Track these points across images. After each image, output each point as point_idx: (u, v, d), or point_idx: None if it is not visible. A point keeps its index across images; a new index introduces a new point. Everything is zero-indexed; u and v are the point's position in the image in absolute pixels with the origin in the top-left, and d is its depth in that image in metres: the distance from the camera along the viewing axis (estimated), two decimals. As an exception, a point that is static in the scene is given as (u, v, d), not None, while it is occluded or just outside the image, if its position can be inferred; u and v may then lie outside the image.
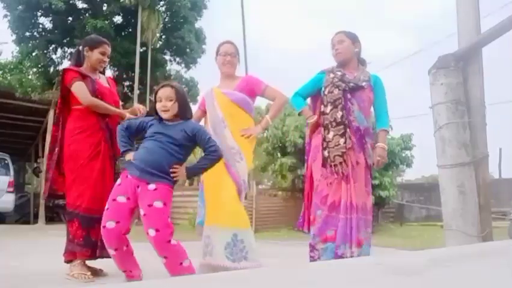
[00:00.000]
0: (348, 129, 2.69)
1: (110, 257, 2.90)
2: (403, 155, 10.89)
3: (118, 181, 2.40)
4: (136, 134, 2.55)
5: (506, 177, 16.35)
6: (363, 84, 2.74)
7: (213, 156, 2.42)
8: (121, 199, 2.30)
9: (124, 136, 2.51)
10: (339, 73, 2.80)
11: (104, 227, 2.28)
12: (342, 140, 2.67)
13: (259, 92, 2.99)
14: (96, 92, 2.98)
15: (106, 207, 2.33)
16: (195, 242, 2.88)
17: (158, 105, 2.43)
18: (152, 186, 2.26)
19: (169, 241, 2.23)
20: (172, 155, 2.34)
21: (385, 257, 2.34)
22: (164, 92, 2.42)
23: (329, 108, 2.74)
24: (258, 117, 6.12)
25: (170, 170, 2.32)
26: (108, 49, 3.10)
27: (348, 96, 2.73)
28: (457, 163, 2.37)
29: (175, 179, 2.35)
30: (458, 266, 1.23)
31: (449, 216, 2.39)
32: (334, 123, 2.71)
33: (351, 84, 2.73)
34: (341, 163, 2.65)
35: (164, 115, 2.41)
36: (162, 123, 2.44)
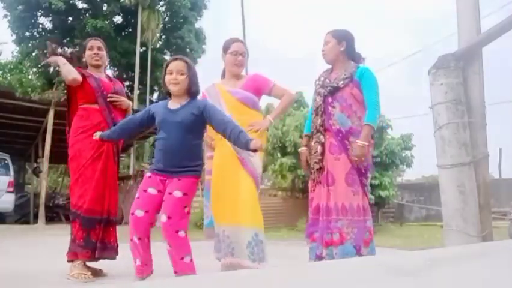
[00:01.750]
0: (322, 136, 2.74)
1: (109, 258, 2.91)
2: (403, 155, 10.87)
3: (148, 173, 2.44)
4: (140, 126, 2.57)
5: (506, 177, 16.32)
6: (340, 84, 2.71)
7: (228, 119, 2.37)
8: (152, 191, 2.35)
9: (115, 129, 2.61)
10: (322, 79, 2.85)
11: (132, 214, 2.32)
12: (319, 147, 2.75)
13: (266, 90, 2.92)
14: (102, 88, 3.02)
15: (137, 196, 2.37)
16: (198, 243, 2.87)
17: (168, 78, 2.40)
18: (176, 178, 2.33)
19: (177, 231, 2.26)
20: (187, 145, 2.36)
21: (385, 257, 2.34)
22: (177, 66, 2.40)
23: (314, 116, 2.84)
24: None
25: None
26: (94, 42, 3.15)
27: (329, 100, 2.75)
28: (456, 163, 2.37)
29: (193, 168, 2.36)
30: (458, 266, 1.22)
31: (449, 216, 2.39)
32: (315, 131, 2.80)
33: (329, 87, 2.76)
34: (318, 170, 2.73)
35: (173, 87, 2.39)
36: (168, 110, 2.42)
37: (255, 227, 2.62)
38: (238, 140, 2.27)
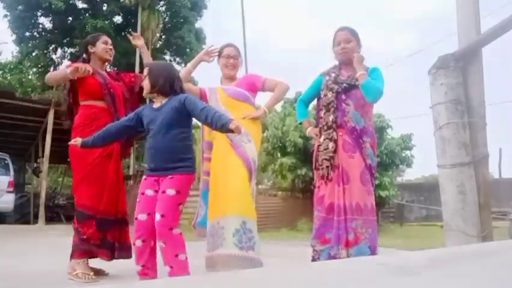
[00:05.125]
0: (335, 133, 2.69)
1: (127, 258, 2.90)
2: (403, 155, 10.90)
3: (144, 176, 2.48)
4: (126, 130, 2.61)
5: (506, 177, 16.33)
6: (356, 82, 2.69)
7: (209, 108, 2.40)
8: (149, 192, 2.39)
9: (100, 134, 2.57)
10: (333, 75, 2.80)
11: (136, 218, 2.36)
12: (331, 144, 2.69)
13: (259, 85, 3.01)
14: (108, 85, 3.00)
15: (138, 200, 2.41)
16: (195, 242, 2.87)
17: None
18: (169, 176, 2.34)
19: (171, 228, 2.27)
20: (176, 141, 2.38)
21: (385, 257, 2.34)
22: (144, 72, 2.57)
23: (323, 111, 2.78)
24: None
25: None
26: (108, 39, 3.15)
27: (343, 97, 2.72)
28: (456, 163, 2.37)
29: (184, 165, 2.37)
30: (458, 266, 1.22)
31: (449, 216, 2.39)
32: (325, 127, 2.75)
33: (344, 84, 2.72)
34: (327, 167, 2.67)
35: (143, 93, 2.57)
36: (152, 109, 2.49)
37: (243, 215, 2.59)
38: (218, 121, 2.26)
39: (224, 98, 2.94)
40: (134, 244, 2.37)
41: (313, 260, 2.71)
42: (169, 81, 2.48)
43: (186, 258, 2.32)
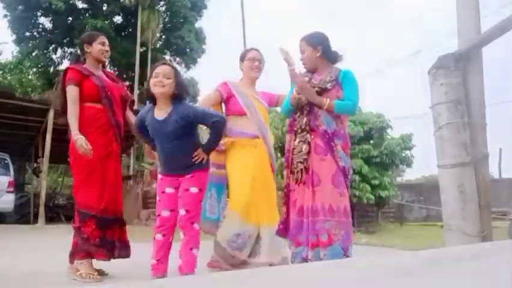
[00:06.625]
0: (309, 135, 2.68)
1: (126, 257, 2.92)
2: (403, 155, 10.89)
3: (160, 176, 2.61)
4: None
5: (506, 177, 16.34)
6: (328, 85, 2.68)
7: (217, 125, 2.53)
8: (170, 190, 2.53)
9: (145, 135, 2.68)
10: (306, 78, 2.78)
11: (159, 215, 2.52)
12: (304, 146, 2.68)
13: (273, 102, 3.38)
14: (106, 88, 2.98)
15: (158, 198, 2.56)
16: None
17: (153, 80, 2.41)
18: (189, 175, 2.49)
19: (193, 223, 2.47)
20: (185, 149, 2.48)
21: (385, 257, 2.34)
22: (164, 70, 2.44)
23: (297, 114, 2.77)
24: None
25: (194, 158, 2.48)
26: (105, 39, 3.10)
27: None
28: (456, 163, 2.37)
29: (201, 162, 2.51)
30: (458, 266, 1.23)
31: (449, 216, 2.39)
32: (299, 130, 2.74)
33: (316, 88, 2.70)
34: (302, 170, 2.66)
35: (158, 89, 2.40)
36: (156, 121, 2.48)
37: (275, 225, 2.87)
38: (215, 132, 2.53)
39: (262, 110, 3.20)
40: (154, 238, 2.52)
41: (292, 262, 2.70)
42: (185, 88, 2.55)
43: (197, 255, 2.47)
